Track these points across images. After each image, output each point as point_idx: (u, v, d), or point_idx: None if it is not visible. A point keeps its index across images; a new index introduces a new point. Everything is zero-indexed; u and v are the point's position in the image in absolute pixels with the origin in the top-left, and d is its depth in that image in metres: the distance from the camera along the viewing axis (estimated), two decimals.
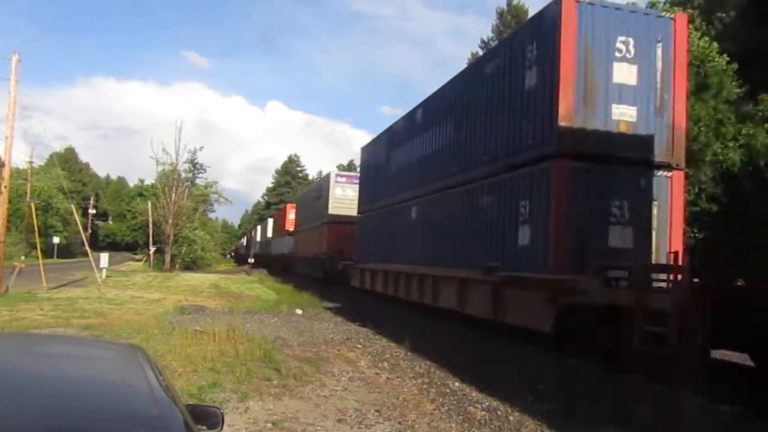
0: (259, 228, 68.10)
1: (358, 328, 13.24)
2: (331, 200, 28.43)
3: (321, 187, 31.52)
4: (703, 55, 19.53)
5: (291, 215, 42.11)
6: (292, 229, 41.11)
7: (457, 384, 7.95)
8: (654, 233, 10.11)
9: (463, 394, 7.43)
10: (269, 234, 54.50)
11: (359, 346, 10.86)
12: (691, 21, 21.41)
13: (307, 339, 11.26)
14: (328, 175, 30.29)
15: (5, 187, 18.51)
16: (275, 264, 48.34)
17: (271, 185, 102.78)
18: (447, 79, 15.35)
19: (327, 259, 27.07)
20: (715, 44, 19.79)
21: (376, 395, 7.24)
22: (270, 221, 56.81)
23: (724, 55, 19.77)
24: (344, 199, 27.88)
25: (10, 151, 18.52)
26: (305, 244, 34.27)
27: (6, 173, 18.71)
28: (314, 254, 30.40)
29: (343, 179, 29.13)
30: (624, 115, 10.07)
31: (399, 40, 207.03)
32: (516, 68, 11.34)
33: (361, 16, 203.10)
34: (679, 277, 8.07)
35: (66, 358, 2.12)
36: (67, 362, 2.04)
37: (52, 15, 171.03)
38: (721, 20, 22.46)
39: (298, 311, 16.29)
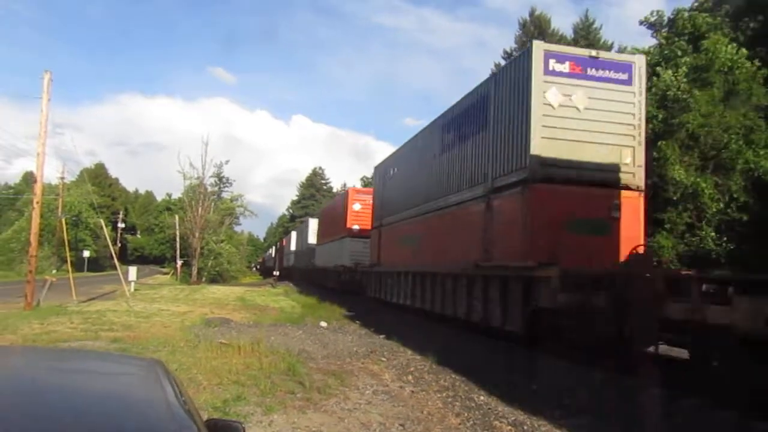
0: (293, 234, 53.97)
1: (383, 341, 13.18)
2: (535, 122, 10.98)
3: (490, 96, 13.15)
4: (731, 62, 19.22)
5: (356, 205, 28.30)
6: (358, 227, 27.30)
7: (482, 398, 7.84)
8: None
9: (489, 408, 7.32)
10: (310, 240, 40.31)
11: (383, 359, 10.80)
12: (719, 28, 21.13)
13: (332, 352, 11.25)
14: (526, 53, 11.63)
15: (37, 202, 19.01)
16: (324, 282, 34.32)
17: (295, 198, 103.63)
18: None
19: (556, 283, 9.91)
20: (744, 50, 19.45)
21: (400, 409, 7.17)
22: (312, 222, 41.97)
23: (755, 61, 19.41)
24: (571, 119, 11.16)
25: (42, 168, 18.98)
26: (418, 248, 17.70)
27: (38, 189, 19.19)
28: (474, 267, 13.29)
29: (566, 64, 11.26)
30: None
31: (421, 51, 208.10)
32: None
33: (382, 29, 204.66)
34: None
35: (86, 373, 2.13)
36: (87, 377, 2.05)
37: (79, 33, 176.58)
38: (750, 27, 22.09)
39: (323, 324, 16.31)
